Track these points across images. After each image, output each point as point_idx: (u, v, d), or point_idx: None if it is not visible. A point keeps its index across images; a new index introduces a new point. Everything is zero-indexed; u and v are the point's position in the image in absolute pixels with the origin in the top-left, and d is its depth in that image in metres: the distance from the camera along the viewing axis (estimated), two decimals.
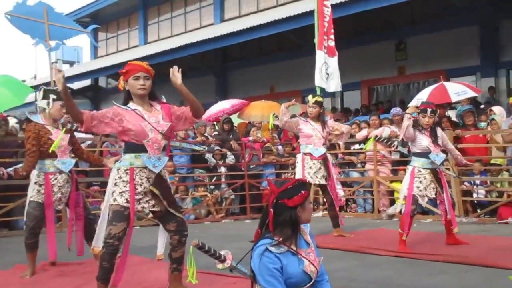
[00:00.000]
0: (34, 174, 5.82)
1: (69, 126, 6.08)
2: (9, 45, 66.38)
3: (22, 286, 5.26)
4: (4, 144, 9.21)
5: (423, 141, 6.67)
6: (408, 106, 10.64)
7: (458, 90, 10.45)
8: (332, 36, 10.54)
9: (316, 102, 7.81)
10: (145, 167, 4.39)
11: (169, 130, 4.52)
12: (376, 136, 9.43)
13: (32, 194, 5.76)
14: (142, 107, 4.43)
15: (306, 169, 7.77)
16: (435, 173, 6.75)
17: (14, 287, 5.20)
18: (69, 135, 5.91)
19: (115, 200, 4.34)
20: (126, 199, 4.34)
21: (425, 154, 6.67)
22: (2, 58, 61.40)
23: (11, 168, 6.62)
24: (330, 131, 8.14)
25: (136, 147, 4.38)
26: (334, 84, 10.80)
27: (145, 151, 4.38)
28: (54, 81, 4.43)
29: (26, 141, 5.70)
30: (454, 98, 10.46)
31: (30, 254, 5.76)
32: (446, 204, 6.75)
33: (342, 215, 8.19)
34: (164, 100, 4.66)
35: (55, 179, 5.80)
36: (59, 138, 5.68)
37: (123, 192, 4.35)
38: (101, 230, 4.52)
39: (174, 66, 4.28)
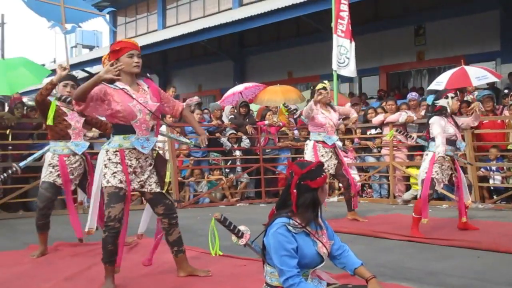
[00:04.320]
0: (48, 156, 5.90)
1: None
2: (29, 30, 66.72)
3: (34, 265, 5.31)
4: (20, 125, 9.31)
5: (450, 128, 6.63)
6: (427, 89, 10.45)
7: (479, 74, 10.24)
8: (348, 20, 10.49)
9: (324, 89, 7.68)
10: (134, 148, 4.37)
11: (158, 110, 4.50)
12: (397, 129, 9.29)
13: (45, 174, 5.82)
14: (130, 86, 4.39)
15: (319, 157, 7.70)
16: (453, 159, 6.72)
17: (27, 266, 5.25)
18: (83, 118, 5.93)
19: (108, 182, 4.31)
20: (119, 179, 4.32)
21: (449, 141, 6.61)
22: (23, 42, 61.88)
23: (23, 163, 6.64)
24: (341, 117, 8.14)
25: (125, 129, 4.33)
26: (350, 69, 10.72)
27: (134, 132, 4.34)
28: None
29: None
30: (475, 83, 10.27)
31: (41, 234, 5.84)
32: (461, 188, 6.70)
33: (357, 199, 8.16)
34: (149, 76, 4.65)
35: (69, 161, 5.86)
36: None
37: (115, 173, 4.33)
38: (94, 211, 4.55)
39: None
